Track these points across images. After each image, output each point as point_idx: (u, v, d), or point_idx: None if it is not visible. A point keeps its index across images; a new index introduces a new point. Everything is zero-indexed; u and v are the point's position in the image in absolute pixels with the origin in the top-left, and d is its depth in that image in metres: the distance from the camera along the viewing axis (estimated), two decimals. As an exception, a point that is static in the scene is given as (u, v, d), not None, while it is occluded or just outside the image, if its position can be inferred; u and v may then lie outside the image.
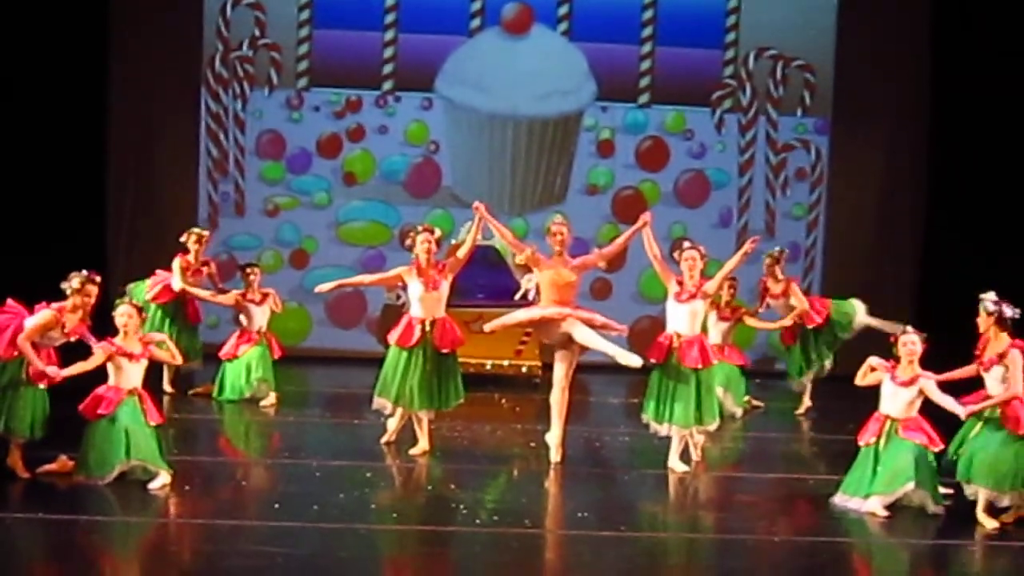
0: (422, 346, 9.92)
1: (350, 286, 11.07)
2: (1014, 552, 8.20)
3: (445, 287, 10.02)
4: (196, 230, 12.57)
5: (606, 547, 7.86)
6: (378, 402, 10.12)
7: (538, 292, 10.06)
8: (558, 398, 9.89)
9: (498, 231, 10.08)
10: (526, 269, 10.80)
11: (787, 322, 12.44)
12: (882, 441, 8.81)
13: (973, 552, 8.23)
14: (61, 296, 8.74)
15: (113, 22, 15.14)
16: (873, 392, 8.99)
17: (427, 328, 9.93)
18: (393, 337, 10.03)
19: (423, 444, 10.05)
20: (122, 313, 8.93)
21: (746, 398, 12.57)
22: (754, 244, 10.04)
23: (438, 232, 10.21)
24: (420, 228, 10.15)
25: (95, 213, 15.07)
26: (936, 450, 8.80)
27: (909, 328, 8.99)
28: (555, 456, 9.92)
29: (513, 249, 10.21)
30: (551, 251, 9.86)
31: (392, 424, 10.29)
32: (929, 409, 8.94)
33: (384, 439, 10.30)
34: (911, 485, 8.70)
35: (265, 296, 12.45)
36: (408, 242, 10.17)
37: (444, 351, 9.99)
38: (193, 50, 15.42)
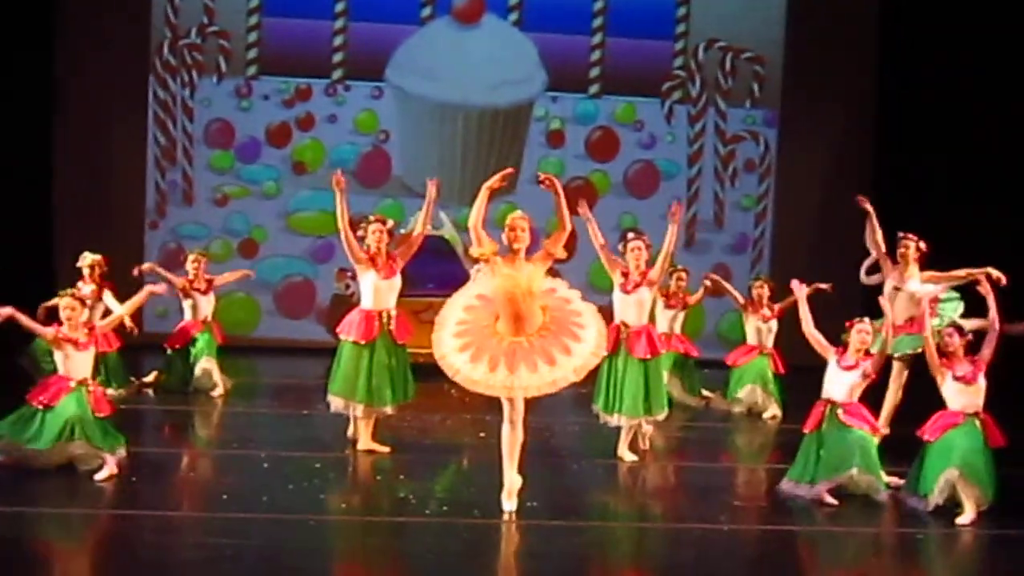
0: (381, 340, 9.72)
1: (342, 206, 9.76)
2: (959, 540, 8.30)
3: (398, 278, 9.88)
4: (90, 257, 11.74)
5: (556, 536, 7.88)
6: (337, 403, 9.79)
7: None
8: (511, 438, 8.22)
9: (479, 210, 8.43)
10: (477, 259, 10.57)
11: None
12: (824, 426, 8.90)
13: (919, 540, 8.32)
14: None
15: (59, 8, 14.99)
16: (820, 382, 9.09)
17: (385, 321, 9.78)
18: (351, 333, 9.73)
19: (367, 439, 9.88)
20: (65, 306, 8.90)
21: (701, 391, 12.62)
22: (678, 209, 9.70)
23: (390, 222, 10.12)
24: (372, 218, 10.03)
25: (42, 202, 14.91)
26: (878, 437, 8.94)
27: (866, 318, 9.09)
28: (509, 505, 8.29)
29: (476, 232, 8.40)
30: (507, 250, 8.42)
31: (362, 428, 9.86)
32: (871, 397, 9.07)
33: (361, 446, 9.82)
34: (855, 470, 8.81)
35: (210, 284, 12.34)
36: (359, 232, 9.92)
37: (401, 343, 9.84)
38: (141, 37, 15.32)
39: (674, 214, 9.64)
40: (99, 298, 11.61)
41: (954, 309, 10.35)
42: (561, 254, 8.36)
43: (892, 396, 10.48)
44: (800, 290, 9.18)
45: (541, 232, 14.90)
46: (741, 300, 12.32)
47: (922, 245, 10.41)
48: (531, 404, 8.26)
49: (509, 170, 8.58)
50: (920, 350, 9.25)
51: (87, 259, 11.61)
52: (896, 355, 10.28)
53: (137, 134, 15.37)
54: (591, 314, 8.26)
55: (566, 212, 8.39)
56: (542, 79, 15.74)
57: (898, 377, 10.48)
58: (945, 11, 14.80)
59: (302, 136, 15.63)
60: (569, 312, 8.24)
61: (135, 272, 12.16)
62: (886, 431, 10.17)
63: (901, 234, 10.49)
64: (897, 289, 10.26)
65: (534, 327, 8.08)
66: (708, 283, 12.50)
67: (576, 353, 8.02)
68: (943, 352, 8.77)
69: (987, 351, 8.69)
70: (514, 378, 7.91)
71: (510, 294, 8.09)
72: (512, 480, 8.27)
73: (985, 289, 9.01)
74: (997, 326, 8.73)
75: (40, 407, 8.68)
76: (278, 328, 15.50)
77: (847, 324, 9.07)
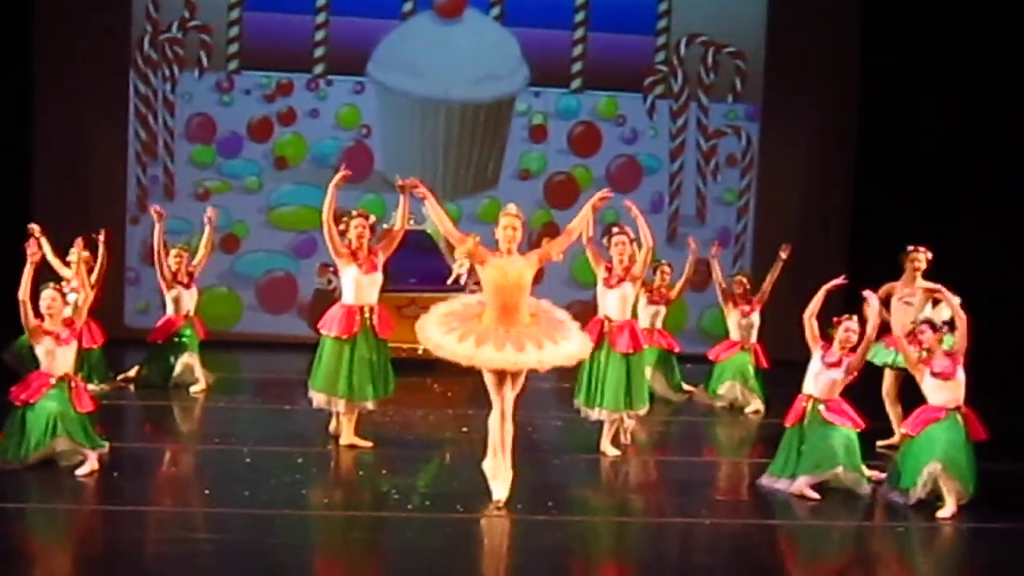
0: (363, 335, 9.71)
1: (332, 200, 9.60)
2: (940, 533, 8.33)
3: (380, 273, 9.85)
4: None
5: (538, 531, 7.89)
6: (318, 398, 9.78)
7: (472, 278, 9.73)
8: (502, 430, 8.41)
9: (437, 216, 8.50)
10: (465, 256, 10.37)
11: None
12: (805, 421, 8.92)
13: (900, 534, 8.35)
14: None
15: (39, 2, 14.92)
16: (803, 377, 9.11)
17: (366, 315, 9.77)
18: (332, 328, 9.71)
19: (349, 434, 9.89)
20: (44, 297, 8.84)
21: (683, 386, 12.62)
22: (632, 205, 9.92)
23: (372, 218, 10.09)
24: (354, 213, 10.01)
25: (22, 196, 14.84)
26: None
27: (854, 316, 9.11)
28: (501, 493, 8.40)
29: (450, 238, 8.45)
30: (499, 246, 8.31)
31: (345, 423, 9.87)
32: (854, 393, 9.11)
33: (344, 441, 9.84)
34: (839, 468, 8.83)
35: (192, 277, 12.27)
36: (341, 227, 9.85)
37: (382, 338, 9.84)
38: (122, 31, 15.26)
39: (630, 209, 9.81)
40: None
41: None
42: (558, 258, 8.44)
43: (894, 408, 10.44)
44: (833, 283, 9.22)
45: (525, 226, 14.86)
46: (723, 284, 12.27)
47: (930, 255, 10.32)
48: (516, 399, 8.29)
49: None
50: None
51: (74, 255, 11.57)
52: (889, 366, 10.35)
53: (118, 129, 15.31)
54: (579, 334, 8.34)
55: (587, 230, 8.63)
56: (524, 74, 15.73)
57: (892, 387, 10.47)
58: (927, 5, 14.84)
59: (284, 131, 15.59)
60: (558, 324, 8.28)
61: (153, 210, 12.02)
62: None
63: (911, 247, 10.35)
64: (908, 303, 10.17)
65: (520, 324, 8.11)
66: (693, 245, 12.31)
67: (548, 349, 8.07)
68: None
69: (960, 344, 8.72)
70: (478, 350, 7.98)
71: (499, 286, 8.14)
72: (503, 474, 8.33)
73: (932, 288, 8.97)
74: (964, 315, 8.75)
75: (20, 405, 8.64)
76: (260, 323, 15.48)
77: (834, 320, 9.09)
